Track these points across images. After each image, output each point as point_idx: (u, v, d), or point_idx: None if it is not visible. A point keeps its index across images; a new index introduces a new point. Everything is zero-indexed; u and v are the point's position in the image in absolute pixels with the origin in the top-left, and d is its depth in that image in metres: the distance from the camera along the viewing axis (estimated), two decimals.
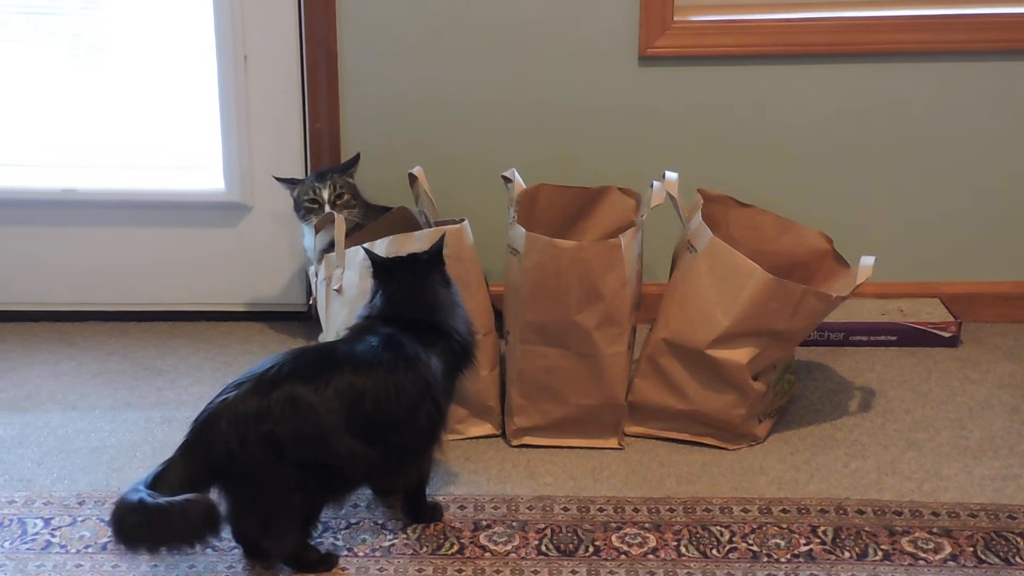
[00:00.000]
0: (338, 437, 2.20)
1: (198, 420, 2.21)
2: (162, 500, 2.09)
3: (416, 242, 2.64)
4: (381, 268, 2.43)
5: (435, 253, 2.44)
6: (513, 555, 2.34)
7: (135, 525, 2.09)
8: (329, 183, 3.01)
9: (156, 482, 2.14)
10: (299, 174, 3.23)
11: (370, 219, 3.01)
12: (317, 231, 2.93)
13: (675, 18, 3.14)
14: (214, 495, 2.19)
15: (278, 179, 3.10)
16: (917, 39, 3.16)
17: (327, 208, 2.97)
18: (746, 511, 2.48)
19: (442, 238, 2.47)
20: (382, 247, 2.65)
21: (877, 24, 3.16)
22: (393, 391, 2.25)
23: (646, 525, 2.43)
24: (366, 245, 2.60)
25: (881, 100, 3.22)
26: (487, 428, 2.79)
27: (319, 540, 2.36)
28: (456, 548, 2.37)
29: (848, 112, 3.23)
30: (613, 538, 2.39)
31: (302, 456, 2.18)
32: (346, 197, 3.02)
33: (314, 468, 2.20)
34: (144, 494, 2.10)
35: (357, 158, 3.09)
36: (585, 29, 3.17)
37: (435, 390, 2.32)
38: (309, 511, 2.27)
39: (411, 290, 2.40)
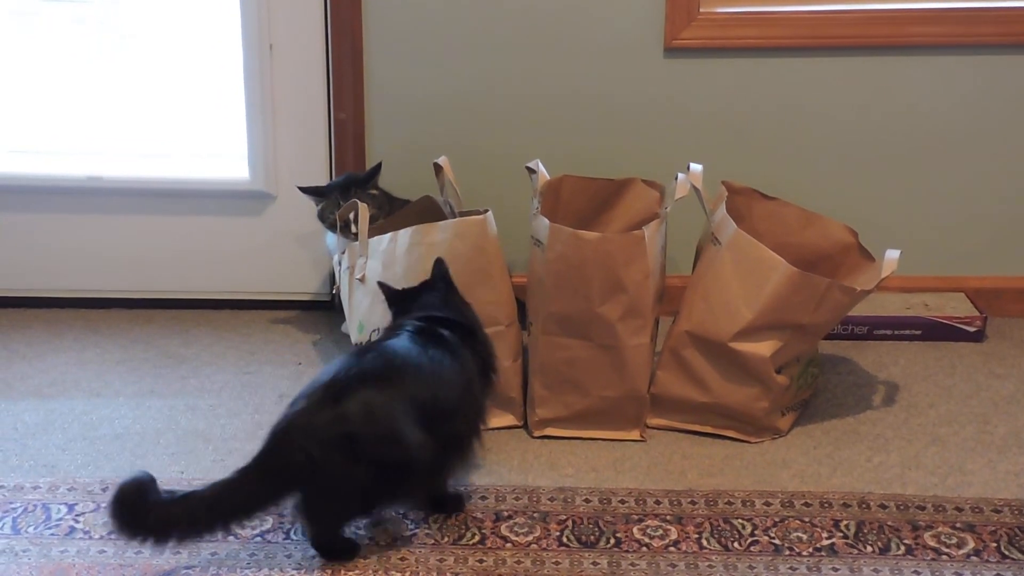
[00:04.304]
0: (409, 431, 2.23)
1: (275, 432, 2.23)
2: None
3: (439, 232, 2.65)
4: (395, 300, 2.50)
5: (440, 278, 2.49)
6: (534, 546, 2.34)
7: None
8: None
9: (229, 490, 2.17)
10: (323, 164, 3.24)
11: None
12: (341, 232, 2.91)
13: (701, 9, 3.13)
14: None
15: (302, 189, 3.07)
16: (945, 32, 3.14)
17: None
18: (768, 504, 2.47)
19: (437, 262, 2.50)
20: (405, 238, 2.66)
21: (904, 17, 3.14)
22: (446, 382, 2.32)
23: (668, 517, 2.43)
24: (380, 280, 2.58)
25: (907, 94, 3.20)
26: (509, 419, 2.79)
27: None
28: (477, 538, 2.37)
29: (874, 105, 3.21)
30: (634, 530, 2.39)
31: (378, 455, 2.20)
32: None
33: (385, 468, 2.22)
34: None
35: (379, 167, 3.06)
36: (610, 21, 3.16)
37: (474, 383, 2.40)
38: (364, 510, 2.32)
39: (434, 300, 2.47)
